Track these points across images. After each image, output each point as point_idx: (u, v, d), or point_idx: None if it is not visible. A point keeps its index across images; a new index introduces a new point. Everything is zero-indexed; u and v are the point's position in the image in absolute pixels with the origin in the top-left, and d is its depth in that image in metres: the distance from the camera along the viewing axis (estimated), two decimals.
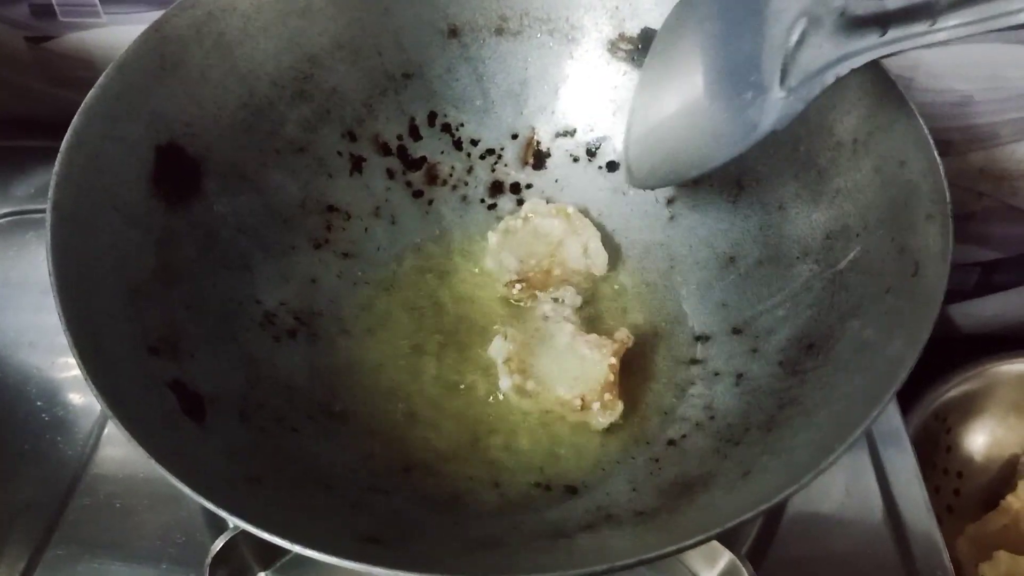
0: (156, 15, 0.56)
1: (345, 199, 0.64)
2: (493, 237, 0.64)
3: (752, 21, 0.50)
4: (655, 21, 0.62)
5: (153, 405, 0.46)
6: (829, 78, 0.47)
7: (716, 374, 0.56)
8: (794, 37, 0.48)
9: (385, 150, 0.66)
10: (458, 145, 0.67)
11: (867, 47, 0.45)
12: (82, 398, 0.65)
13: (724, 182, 0.61)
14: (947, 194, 0.47)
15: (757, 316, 0.57)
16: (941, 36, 0.41)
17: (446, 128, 0.67)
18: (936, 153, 0.48)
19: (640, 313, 0.62)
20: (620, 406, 0.55)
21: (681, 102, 0.54)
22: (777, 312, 0.56)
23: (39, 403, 0.64)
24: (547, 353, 0.58)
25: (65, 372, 0.67)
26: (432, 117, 0.67)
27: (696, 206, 0.62)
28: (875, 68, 0.52)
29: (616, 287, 0.63)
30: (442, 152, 0.67)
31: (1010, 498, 0.78)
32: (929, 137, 0.49)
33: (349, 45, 0.64)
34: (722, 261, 0.60)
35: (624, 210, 0.65)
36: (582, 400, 0.55)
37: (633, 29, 0.63)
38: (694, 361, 0.58)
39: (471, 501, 0.52)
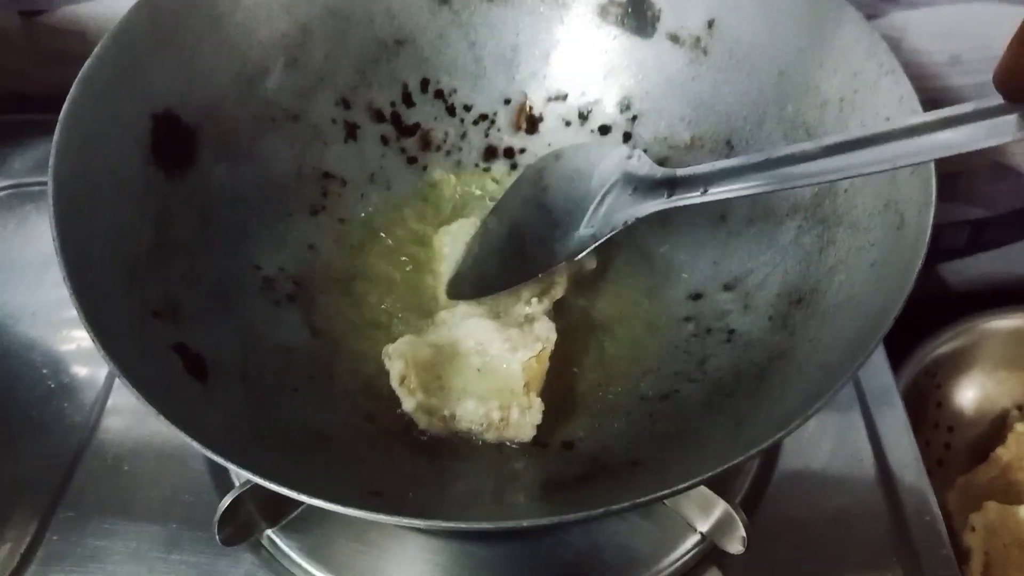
0: None
1: (340, 166, 0.65)
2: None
3: (581, 182, 0.59)
4: None
5: (159, 367, 0.47)
6: (619, 224, 0.56)
7: (708, 330, 0.57)
8: (604, 192, 0.58)
9: (379, 117, 0.66)
10: (451, 111, 0.68)
11: (654, 206, 0.55)
12: (86, 367, 0.66)
13: (715, 143, 0.62)
14: None
15: (748, 273, 0.58)
16: (708, 199, 0.52)
17: (439, 94, 0.67)
18: (921, 108, 0.49)
19: (633, 273, 0.62)
20: (538, 404, 0.53)
21: (511, 238, 0.61)
22: (767, 268, 0.57)
23: (44, 371, 0.65)
24: (454, 361, 0.56)
25: (68, 344, 0.68)
26: (425, 83, 0.67)
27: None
28: (861, 27, 0.53)
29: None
30: (435, 118, 0.67)
31: (1000, 450, 0.80)
32: (913, 93, 0.50)
33: (340, 12, 0.64)
34: (713, 220, 0.61)
35: None
36: (501, 413, 0.53)
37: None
38: (687, 319, 0.59)
39: (471, 458, 0.53)
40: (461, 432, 0.54)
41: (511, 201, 0.62)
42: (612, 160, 0.58)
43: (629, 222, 0.56)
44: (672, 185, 0.54)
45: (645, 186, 0.56)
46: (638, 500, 0.38)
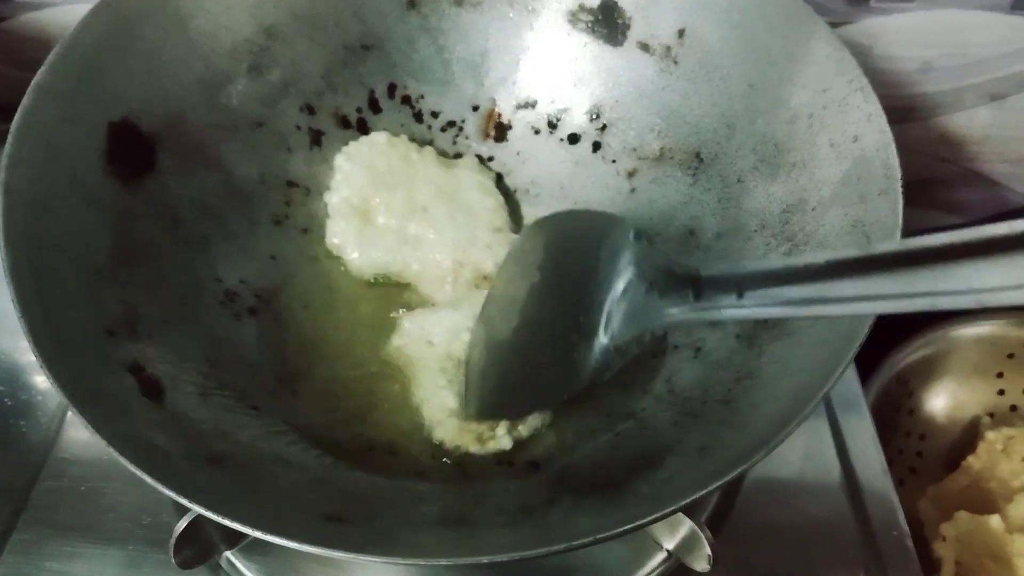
0: None
1: (305, 174, 0.63)
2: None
3: (587, 265, 0.51)
4: None
5: (111, 389, 0.46)
6: (645, 335, 0.48)
7: (676, 347, 0.57)
8: (620, 287, 0.49)
9: (345, 123, 0.65)
10: (419, 117, 0.67)
11: (680, 310, 0.46)
12: (45, 381, 0.64)
13: (684, 155, 0.61)
14: (898, 170, 0.47)
15: None
16: (745, 312, 0.42)
17: (406, 100, 0.66)
18: (888, 128, 0.49)
19: None
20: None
21: (515, 340, 0.53)
22: None
23: (1, 388, 0.64)
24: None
25: (28, 355, 0.66)
26: (392, 89, 0.66)
27: (657, 179, 0.62)
28: (831, 42, 0.53)
29: None
30: (402, 124, 0.66)
31: (971, 459, 0.79)
32: (882, 112, 0.49)
33: (306, 17, 0.63)
34: (682, 234, 0.60)
35: (585, 182, 0.65)
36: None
37: (593, 0, 0.63)
38: (654, 335, 0.58)
39: (435, 478, 0.52)
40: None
41: (511, 292, 0.55)
42: (616, 239, 0.50)
43: (657, 333, 0.48)
44: (698, 286, 0.45)
45: (664, 283, 0.47)
46: (599, 536, 0.37)
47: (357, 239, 0.61)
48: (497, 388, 0.53)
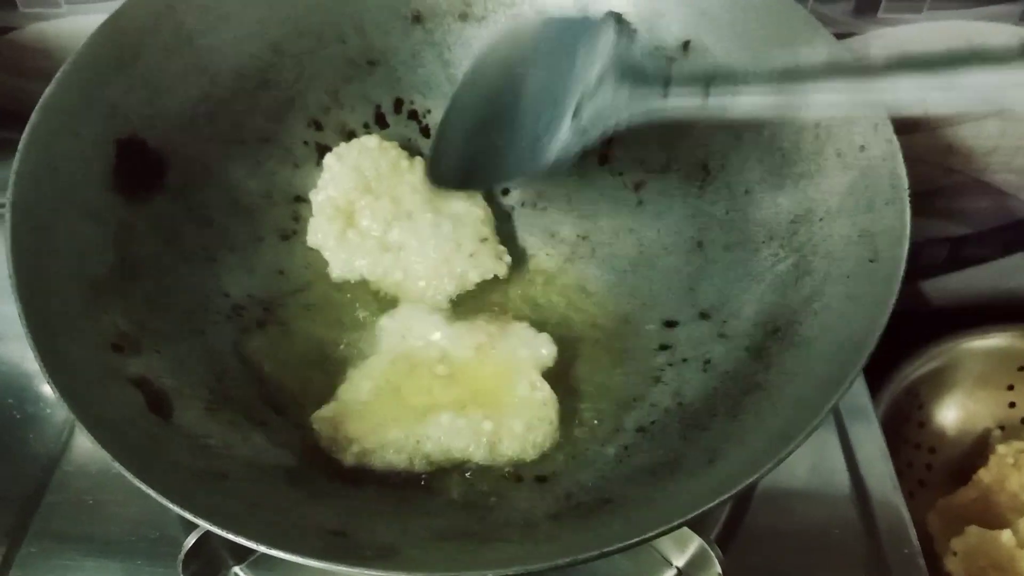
0: (116, 5, 0.56)
1: (312, 189, 0.63)
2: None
3: (565, 58, 0.53)
4: (619, 5, 0.62)
5: (117, 403, 0.46)
6: (609, 126, 0.50)
7: (684, 360, 0.56)
8: (593, 79, 0.50)
9: (351, 138, 0.65)
10: (425, 132, 0.67)
11: (649, 105, 0.48)
12: (53, 395, 0.65)
13: (691, 167, 0.61)
14: (905, 179, 0.47)
15: (724, 301, 0.57)
16: (711, 108, 0.45)
17: (413, 115, 0.66)
18: (895, 137, 0.48)
19: (608, 299, 0.62)
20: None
21: (487, 115, 0.56)
22: (744, 296, 0.56)
23: (9, 400, 0.64)
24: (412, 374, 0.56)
25: (36, 365, 0.66)
26: (398, 104, 0.66)
27: (664, 191, 0.62)
28: (834, 49, 0.53)
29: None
30: (409, 139, 0.66)
31: (981, 472, 0.79)
32: (888, 121, 0.49)
33: (312, 33, 0.63)
34: (690, 246, 0.60)
35: (593, 195, 0.65)
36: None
37: (597, 13, 0.63)
38: (663, 347, 0.58)
39: (440, 491, 0.52)
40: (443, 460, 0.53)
41: (486, 72, 0.57)
42: (600, 40, 0.51)
43: (621, 126, 0.50)
44: (667, 83, 0.48)
45: (637, 77, 0.49)
46: (605, 549, 0.37)
47: (338, 240, 0.61)
48: (462, 156, 0.55)
